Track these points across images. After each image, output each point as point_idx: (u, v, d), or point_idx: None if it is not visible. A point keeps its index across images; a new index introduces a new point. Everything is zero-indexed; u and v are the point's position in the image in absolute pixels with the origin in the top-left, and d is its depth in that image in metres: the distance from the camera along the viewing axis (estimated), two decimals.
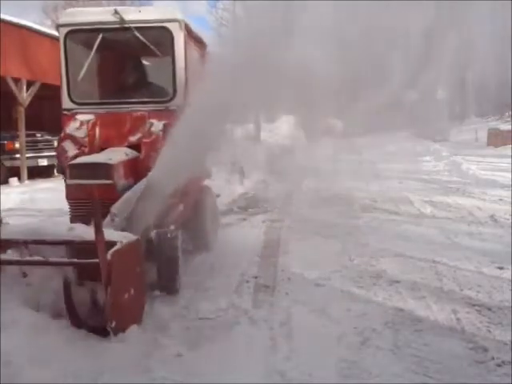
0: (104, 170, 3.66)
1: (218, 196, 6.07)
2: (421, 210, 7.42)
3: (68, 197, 3.92)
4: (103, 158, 3.82)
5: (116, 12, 4.25)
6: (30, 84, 12.06)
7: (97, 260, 2.71)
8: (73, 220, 3.71)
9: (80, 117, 4.29)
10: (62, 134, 4.21)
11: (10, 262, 3.03)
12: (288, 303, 3.84)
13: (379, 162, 15.07)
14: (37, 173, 12.68)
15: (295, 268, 4.68)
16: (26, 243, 3.04)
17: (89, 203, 3.44)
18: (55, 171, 13.46)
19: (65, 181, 3.97)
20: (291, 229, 6.39)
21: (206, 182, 5.67)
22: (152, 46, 4.35)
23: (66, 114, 4.42)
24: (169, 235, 3.79)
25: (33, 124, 12.58)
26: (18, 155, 12.09)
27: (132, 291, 3.00)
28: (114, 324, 2.79)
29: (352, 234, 5.98)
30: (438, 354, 3.03)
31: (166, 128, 4.09)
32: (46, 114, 16.99)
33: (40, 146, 12.94)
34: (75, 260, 2.95)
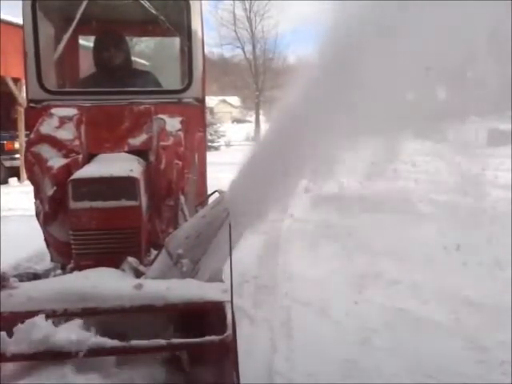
0: (127, 186, 2.57)
1: None
2: (421, 210, 7.42)
3: (73, 227, 2.55)
4: (119, 168, 2.66)
5: None
6: None
7: (221, 336, 1.78)
8: (77, 260, 2.56)
9: (57, 111, 3.05)
10: (34, 136, 2.94)
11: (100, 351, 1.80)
12: (288, 303, 3.84)
13: (378, 162, 15.07)
14: None
15: (295, 268, 4.68)
16: (68, 314, 1.93)
17: (107, 235, 2.53)
18: None
19: (45, 202, 2.82)
20: (291, 228, 6.39)
21: None
22: (161, 17, 3.32)
23: (34, 108, 3.28)
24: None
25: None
26: (17, 155, 12.10)
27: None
28: None
29: (352, 234, 5.98)
30: (438, 353, 3.03)
31: (183, 127, 3.13)
32: None
33: None
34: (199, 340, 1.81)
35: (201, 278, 2.30)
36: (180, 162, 3.00)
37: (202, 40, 3.46)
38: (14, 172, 12.11)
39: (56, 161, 2.82)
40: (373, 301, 3.87)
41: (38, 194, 2.95)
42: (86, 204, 2.53)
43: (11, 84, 11.58)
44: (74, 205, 2.53)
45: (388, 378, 2.77)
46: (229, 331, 1.77)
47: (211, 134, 22.62)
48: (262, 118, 39.33)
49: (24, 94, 12.12)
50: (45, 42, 3.35)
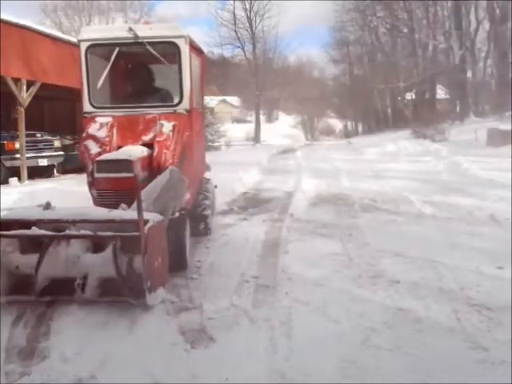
0: (126, 165, 4.34)
1: (215, 187, 6.73)
2: (421, 210, 7.42)
3: (97, 188, 4.54)
4: (124, 155, 4.51)
5: (130, 29, 5.04)
6: (29, 84, 12.04)
7: (137, 233, 3.31)
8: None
9: (99, 119, 5.00)
10: (84, 135, 4.91)
11: (70, 236, 3.58)
12: (288, 303, 3.84)
13: (379, 162, 15.07)
14: (37, 173, 12.67)
15: (295, 268, 4.68)
16: (74, 222, 3.59)
17: (115, 192, 4.34)
18: (55, 171, 13.49)
19: (89, 175, 4.72)
20: (291, 229, 6.39)
21: (207, 175, 6.66)
22: (161, 58, 5.06)
23: (86, 117, 5.14)
24: (178, 215, 4.61)
25: (33, 124, 12.56)
26: (18, 155, 12.06)
27: (160, 260, 3.63)
28: (149, 284, 3.36)
29: (352, 235, 5.98)
30: (438, 354, 3.03)
31: (174, 128, 4.92)
32: (46, 114, 16.97)
33: (40, 146, 12.92)
34: (121, 233, 3.46)
35: (152, 210, 3.85)
36: (167, 151, 4.79)
37: (190, 71, 5.20)
38: (15, 172, 12.07)
39: (94, 150, 4.76)
40: (373, 301, 3.87)
41: (86, 171, 4.83)
42: (104, 175, 4.41)
43: (11, 84, 11.54)
44: (97, 175, 4.45)
45: (388, 378, 2.77)
46: (140, 232, 3.30)
47: (211, 134, 22.55)
48: (262, 117, 39.20)
49: (24, 94, 12.14)
50: (93, 75, 5.18)
